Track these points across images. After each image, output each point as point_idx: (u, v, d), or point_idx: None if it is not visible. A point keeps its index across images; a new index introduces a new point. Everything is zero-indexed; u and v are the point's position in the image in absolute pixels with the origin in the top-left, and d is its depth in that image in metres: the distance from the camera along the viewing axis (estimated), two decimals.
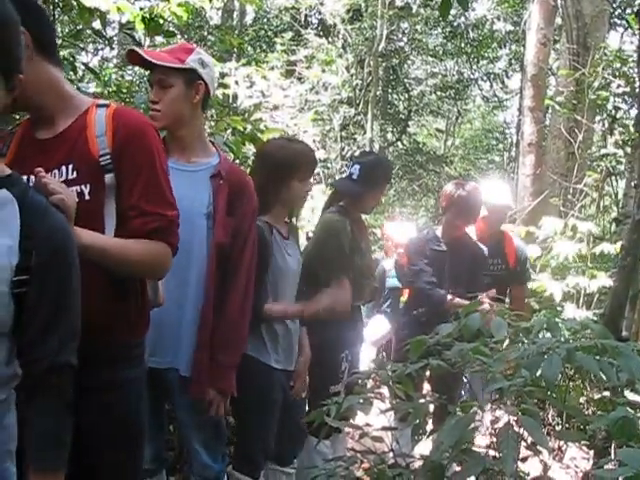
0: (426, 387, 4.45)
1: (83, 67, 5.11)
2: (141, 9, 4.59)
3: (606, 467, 1.84)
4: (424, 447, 2.29)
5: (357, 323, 3.94)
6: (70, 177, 1.93)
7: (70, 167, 1.93)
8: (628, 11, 12.01)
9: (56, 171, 1.93)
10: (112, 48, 9.67)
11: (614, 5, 11.14)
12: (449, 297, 4.17)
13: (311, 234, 3.95)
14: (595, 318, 4.22)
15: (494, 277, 4.67)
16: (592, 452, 4.94)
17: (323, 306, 3.09)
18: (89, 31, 5.23)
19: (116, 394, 1.99)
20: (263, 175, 3.04)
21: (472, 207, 4.33)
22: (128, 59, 2.66)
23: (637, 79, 7.69)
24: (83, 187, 1.93)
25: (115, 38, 8.52)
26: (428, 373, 3.50)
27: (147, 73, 2.73)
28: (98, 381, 1.91)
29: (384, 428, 2.34)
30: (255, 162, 3.24)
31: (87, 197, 1.92)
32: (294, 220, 3.45)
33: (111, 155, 1.95)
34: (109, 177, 1.95)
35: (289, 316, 3.10)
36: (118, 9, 4.37)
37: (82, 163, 1.94)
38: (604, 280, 5.73)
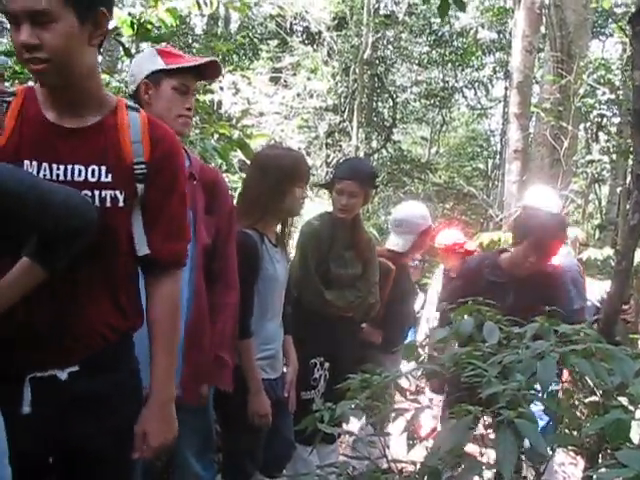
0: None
1: None
2: (129, 14, 4.56)
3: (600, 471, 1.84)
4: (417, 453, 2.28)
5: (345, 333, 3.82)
6: (104, 179, 1.83)
7: (103, 169, 1.84)
8: (610, 20, 12.15)
9: (82, 168, 1.82)
10: (100, 54, 9.60)
11: (596, 15, 11.24)
12: None
13: None
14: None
15: None
16: (579, 457, 4.97)
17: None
18: None
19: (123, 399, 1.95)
20: (265, 185, 3.02)
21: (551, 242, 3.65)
22: None
23: (621, 87, 7.77)
24: (118, 193, 1.85)
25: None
26: None
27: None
28: (105, 387, 1.89)
29: (377, 434, 2.33)
30: (253, 172, 3.19)
31: (121, 204, 1.85)
32: (290, 225, 3.46)
33: (147, 166, 1.87)
34: (140, 187, 1.87)
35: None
36: None
37: (116, 167, 1.85)
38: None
